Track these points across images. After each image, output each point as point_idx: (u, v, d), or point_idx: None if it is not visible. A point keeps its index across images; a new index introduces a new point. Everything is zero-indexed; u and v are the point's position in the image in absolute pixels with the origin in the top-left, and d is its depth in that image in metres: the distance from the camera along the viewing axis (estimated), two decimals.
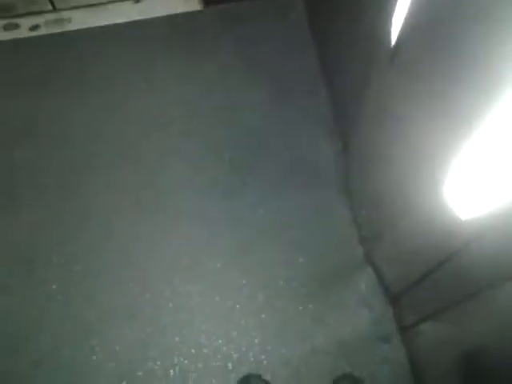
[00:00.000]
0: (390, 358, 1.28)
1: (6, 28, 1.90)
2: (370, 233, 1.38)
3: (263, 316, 1.35)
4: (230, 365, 1.28)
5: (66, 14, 1.93)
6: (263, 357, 1.29)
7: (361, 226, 1.43)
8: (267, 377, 1.25)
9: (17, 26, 1.91)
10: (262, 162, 1.59)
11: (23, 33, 1.90)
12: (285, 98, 1.71)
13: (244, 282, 1.40)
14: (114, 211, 1.51)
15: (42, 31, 1.90)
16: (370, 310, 1.34)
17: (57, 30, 1.90)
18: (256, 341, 1.31)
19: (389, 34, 0.95)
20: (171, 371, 1.27)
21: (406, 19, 0.86)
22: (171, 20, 1.90)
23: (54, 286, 1.39)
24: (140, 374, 1.27)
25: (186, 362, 1.29)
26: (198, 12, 1.93)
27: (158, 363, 1.28)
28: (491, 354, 0.89)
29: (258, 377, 1.24)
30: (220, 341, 1.31)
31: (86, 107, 1.71)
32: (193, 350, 1.30)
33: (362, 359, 1.29)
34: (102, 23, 1.90)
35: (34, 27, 1.90)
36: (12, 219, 1.50)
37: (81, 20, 1.92)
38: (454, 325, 1.02)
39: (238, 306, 1.36)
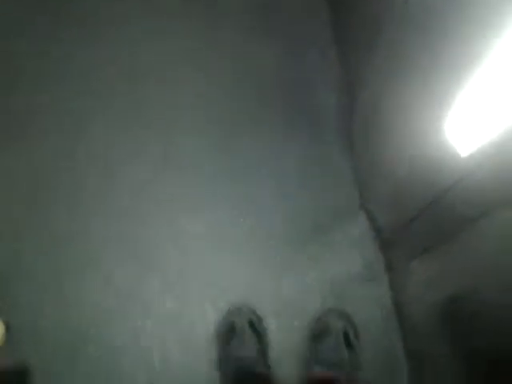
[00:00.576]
0: (377, 299, 1.34)
1: None
2: (367, 179, 1.41)
3: (259, 253, 1.40)
4: (223, 293, 1.34)
5: None
6: (254, 290, 1.35)
7: (358, 172, 1.46)
8: (257, 309, 1.31)
9: None
10: (266, 112, 1.59)
11: None
12: (294, 50, 1.69)
13: (242, 223, 1.44)
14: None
15: None
16: (361, 252, 1.39)
17: None
18: (248, 275, 1.37)
19: None
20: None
21: None
22: None
23: None
24: None
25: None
26: None
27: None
28: (482, 290, 0.90)
29: (248, 307, 1.29)
30: (213, 273, 1.37)
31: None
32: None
33: (349, 299, 1.34)
34: None
35: None
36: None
37: None
38: (443, 263, 1.06)
39: (234, 243, 1.41)
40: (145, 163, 1.50)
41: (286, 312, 1.32)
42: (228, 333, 1.24)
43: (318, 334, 1.23)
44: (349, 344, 1.20)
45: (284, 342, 1.29)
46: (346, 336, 1.20)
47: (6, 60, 1.62)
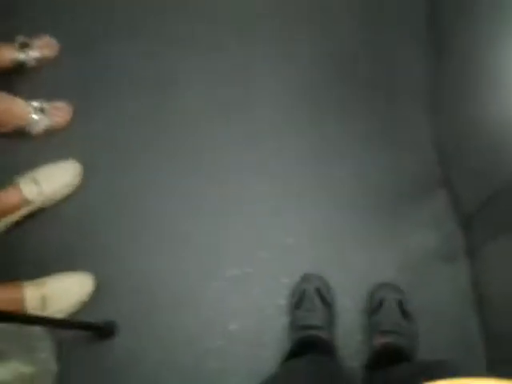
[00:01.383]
0: (454, 277, 1.28)
1: None
2: (449, 152, 1.35)
3: (332, 223, 1.39)
4: (297, 262, 1.35)
5: None
6: (326, 260, 1.34)
7: (441, 146, 1.40)
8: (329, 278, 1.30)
9: None
10: (349, 72, 1.58)
11: None
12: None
13: (315, 193, 1.43)
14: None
15: None
16: (441, 229, 1.33)
17: None
18: (321, 245, 1.37)
19: None
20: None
21: None
22: None
23: None
24: None
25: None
26: None
27: None
28: None
29: (318, 276, 1.29)
30: (289, 239, 1.38)
31: None
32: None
33: (425, 275, 1.30)
34: None
35: None
36: None
37: None
38: None
39: (305, 215, 1.41)
40: None
41: (359, 284, 1.30)
42: (298, 300, 1.26)
43: (374, 307, 1.23)
44: (404, 313, 1.20)
45: (351, 312, 1.28)
46: (400, 306, 1.21)
47: None
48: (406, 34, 1.60)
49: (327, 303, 1.24)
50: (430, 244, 1.32)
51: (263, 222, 1.41)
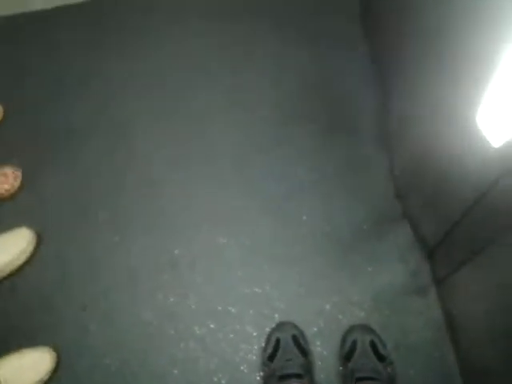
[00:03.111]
0: (425, 311, 1.26)
1: None
2: (406, 186, 1.36)
3: (298, 268, 1.36)
4: (265, 311, 1.31)
5: None
6: (296, 306, 1.31)
7: (398, 179, 1.41)
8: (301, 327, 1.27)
9: None
10: (302, 115, 1.61)
11: None
12: (325, 52, 1.72)
13: (279, 234, 1.42)
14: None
15: None
16: (407, 263, 1.32)
17: None
18: (289, 291, 1.33)
19: None
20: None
21: None
22: None
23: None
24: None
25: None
26: None
27: None
28: None
29: (292, 324, 1.26)
30: (255, 289, 1.34)
31: None
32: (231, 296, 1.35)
33: (396, 312, 1.28)
34: None
35: None
36: None
37: None
38: (496, 267, 0.98)
39: (273, 258, 1.39)
40: None
41: (330, 328, 1.27)
42: (272, 350, 1.21)
43: (347, 351, 1.19)
44: (380, 356, 1.16)
45: (328, 359, 1.24)
46: (373, 347, 1.17)
47: None
48: (356, 78, 1.66)
49: (304, 351, 1.20)
50: (398, 279, 1.31)
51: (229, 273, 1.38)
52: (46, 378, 1.22)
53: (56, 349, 1.27)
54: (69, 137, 1.62)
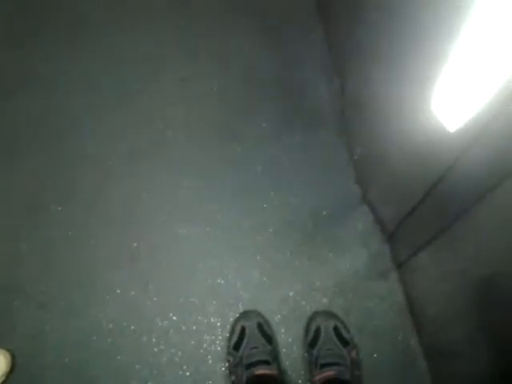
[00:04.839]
0: (387, 294, 1.28)
1: None
2: (365, 170, 1.36)
3: (260, 257, 1.35)
4: (229, 301, 1.30)
5: None
6: (260, 295, 1.30)
7: (357, 164, 1.41)
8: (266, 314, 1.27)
9: None
10: (259, 103, 1.58)
11: None
12: (281, 40, 1.69)
13: (242, 223, 1.40)
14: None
15: None
16: (368, 248, 1.34)
17: None
18: (253, 280, 1.32)
19: None
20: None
21: None
22: None
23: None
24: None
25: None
26: None
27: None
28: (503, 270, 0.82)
29: (256, 312, 1.25)
30: (218, 280, 1.33)
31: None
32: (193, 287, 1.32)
33: (359, 296, 1.29)
34: None
35: None
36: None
37: None
38: (454, 248, 0.98)
39: (234, 247, 1.37)
40: None
41: (294, 316, 1.27)
42: (238, 339, 1.21)
43: (311, 338, 1.20)
44: (343, 340, 1.18)
45: (293, 346, 1.24)
46: (337, 332, 1.19)
47: None
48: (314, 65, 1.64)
49: (270, 339, 1.20)
50: (360, 264, 1.32)
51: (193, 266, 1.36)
52: (2, 380, 1.16)
53: (12, 350, 1.22)
54: (14, 140, 1.55)
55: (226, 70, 1.66)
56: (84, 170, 1.49)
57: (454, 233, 0.96)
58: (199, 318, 1.28)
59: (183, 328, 1.27)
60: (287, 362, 1.22)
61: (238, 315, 1.26)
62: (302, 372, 1.21)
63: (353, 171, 1.44)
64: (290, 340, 1.25)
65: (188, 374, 1.22)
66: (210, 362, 1.23)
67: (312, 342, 1.19)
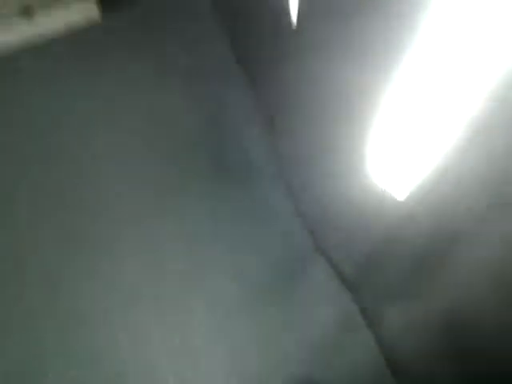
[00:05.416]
0: (364, 349, 1.23)
1: None
2: (315, 222, 1.32)
3: (226, 331, 1.27)
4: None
5: None
6: (233, 369, 1.22)
7: (304, 215, 1.37)
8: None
9: None
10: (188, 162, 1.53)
11: None
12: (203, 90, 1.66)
13: (197, 297, 1.31)
14: None
15: None
16: (332, 302, 1.28)
17: None
18: (223, 354, 1.24)
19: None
20: None
21: None
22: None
23: None
24: None
25: None
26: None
27: None
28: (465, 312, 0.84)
29: None
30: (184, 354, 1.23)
31: None
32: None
33: (333, 354, 1.23)
34: None
35: None
36: None
37: None
38: (418, 301, 0.98)
39: (197, 321, 1.28)
40: None
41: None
42: None
43: None
44: None
45: None
46: None
47: None
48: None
49: None
50: (328, 320, 1.26)
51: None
52: None
53: None
54: None
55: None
56: None
57: (415, 284, 0.95)
58: None
59: None
60: None
61: None
62: None
63: (301, 221, 1.39)
64: None
65: None
66: None
67: None
